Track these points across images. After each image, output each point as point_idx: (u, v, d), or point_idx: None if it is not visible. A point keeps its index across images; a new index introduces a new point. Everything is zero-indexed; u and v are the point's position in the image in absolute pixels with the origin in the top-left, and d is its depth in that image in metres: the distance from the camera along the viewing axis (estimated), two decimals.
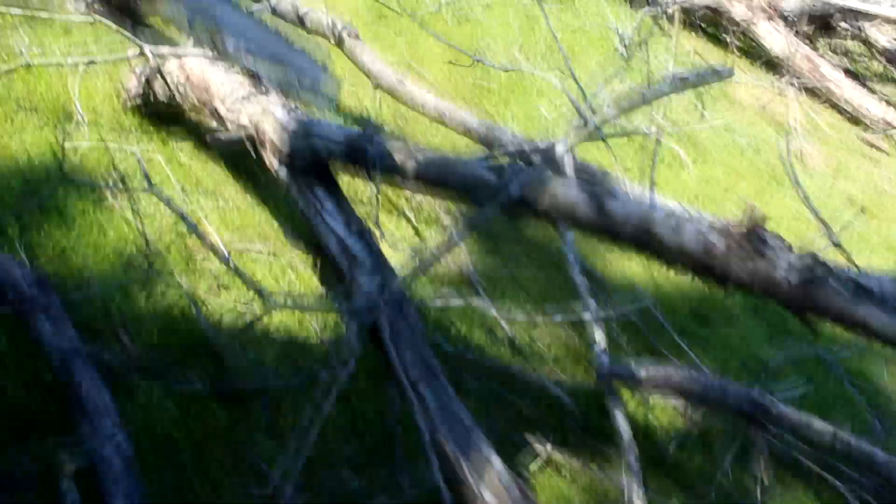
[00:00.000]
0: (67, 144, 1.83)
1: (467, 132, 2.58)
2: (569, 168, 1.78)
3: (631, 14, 4.99)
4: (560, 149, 1.76)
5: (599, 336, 1.62)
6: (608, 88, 2.60)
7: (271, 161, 1.75)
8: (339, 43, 2.86)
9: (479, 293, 2.02)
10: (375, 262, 1.56)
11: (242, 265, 1.77)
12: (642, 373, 1.56)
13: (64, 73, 1.95)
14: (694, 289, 2.18)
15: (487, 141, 2.55)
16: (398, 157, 1.48)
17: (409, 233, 2.22)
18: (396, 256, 1.86)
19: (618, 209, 1.25)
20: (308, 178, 1.68)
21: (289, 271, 1.86)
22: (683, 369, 1.65)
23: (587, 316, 1.59)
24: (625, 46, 4.55)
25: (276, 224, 1.99)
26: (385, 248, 1.95)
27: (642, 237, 1.22)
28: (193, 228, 1.29)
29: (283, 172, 1.70)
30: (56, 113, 1.91)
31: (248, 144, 1.71)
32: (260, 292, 1.51)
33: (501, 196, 1.34)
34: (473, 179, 1.39)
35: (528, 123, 3.24)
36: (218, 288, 1.74)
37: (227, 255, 1.58)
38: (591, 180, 1.85)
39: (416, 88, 2.66)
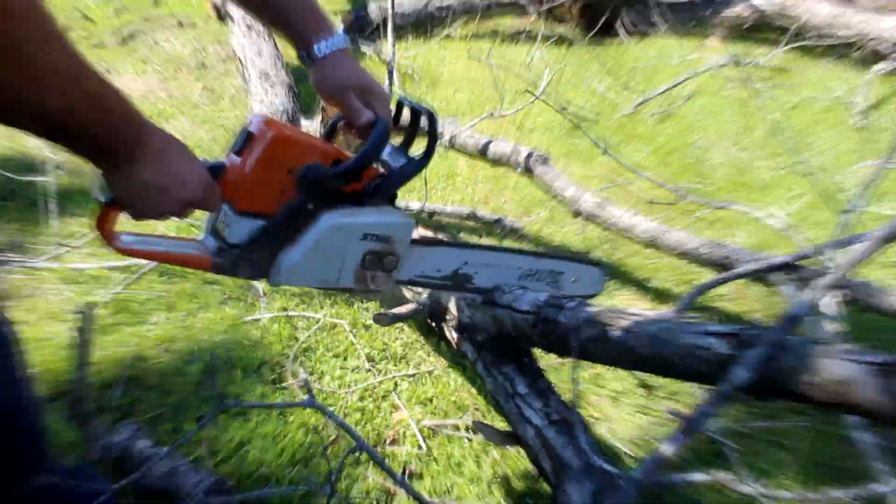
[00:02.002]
0: (248, 317, 1.83)
1: (687, 255, 2.14)
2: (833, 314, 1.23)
3: (858, 76, 4.14)
4: (827, 283, 1.22)
5: None
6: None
7: (452, 335, 1.55)
8: (529, 170, 2.65)
9: (733, 468, 1.50)
10: (586, 466, 1.17)
11: (437, 445, 1.56)
12: None
13: None
14: None
15: (717, 263, 2.07)
16: (599, 328, 1.12)
17: (617, 412, 1.80)
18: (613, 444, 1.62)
19: None
20: (495, 353, 1.42)
21: (491, 451, 1.56)
22: None
23: None
24: (860, 114, 3.71)
25: (472, 390, 1.75)
26: (600, 431, 1.68)
27: None
28: (365, 447, 1.07)
29: (466, 347, 1.47)
30: (238, 286, 1.93)
31: (427, 318, 1.50)
32: None
33: (736, 376, 0.89)
34: (695, 353, 0.97)
35: (758, 234, 2.69)
36: (410, 477, 1.50)
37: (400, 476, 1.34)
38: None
39: (620, 211, 2.31)
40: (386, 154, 1.06)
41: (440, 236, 1.81)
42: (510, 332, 1.36)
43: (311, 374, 1.73)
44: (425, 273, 1.23)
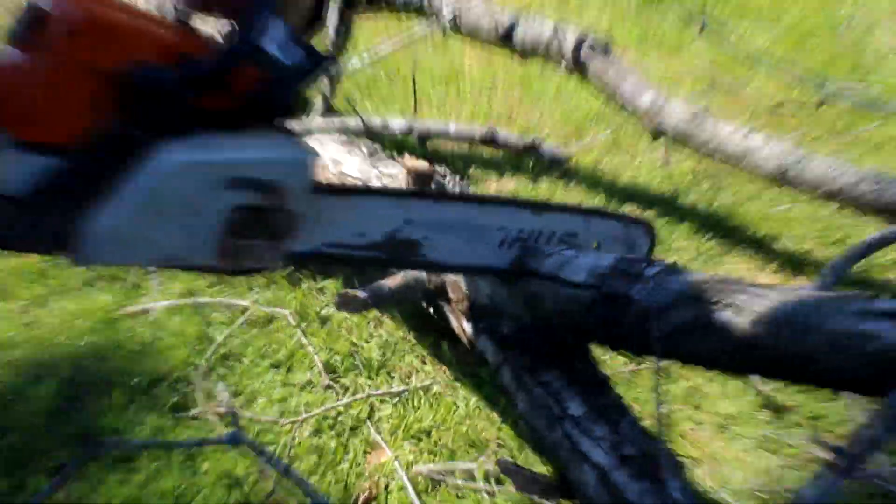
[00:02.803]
0: (131, 306, 1.84)
1: (837, 196, 2.10)
2: None
3: None
4: None
5: None
6: None
7: (461, 327, 1.54)
8: (579, 66, 2.60)
9: None
10: None
11: None
12: None
13: None
14: None
15: (887, 210, 2.03)
16: (698, 309, 1.11)
17: (726, 448, 1.81)
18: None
19: None
20: (531, 353, 1.44)
21: None
22: None
23: None
24: None
25: (493, 415, 1.77)
26: (700, 475, 1.66)
27: None
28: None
29: (484, 345, 1.51)
30: None
31: (421, 300, 1.49)
32: None
33: None
34: (853, 345, 0.98)
35: None
36: None
37: None
38: None
39: (728, 128, 2.27)
40: (270, 41, 1.05)
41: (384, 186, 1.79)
42: (554, 320, 1.38)
43: (236, 394, 1.73)
44: (340, 240, 1.23)
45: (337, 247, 1.23)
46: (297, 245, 1.16)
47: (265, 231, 1.09)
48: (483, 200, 1.34)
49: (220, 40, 1.00)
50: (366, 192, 1.27)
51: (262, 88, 1.02)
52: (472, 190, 2.02)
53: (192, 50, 0.97)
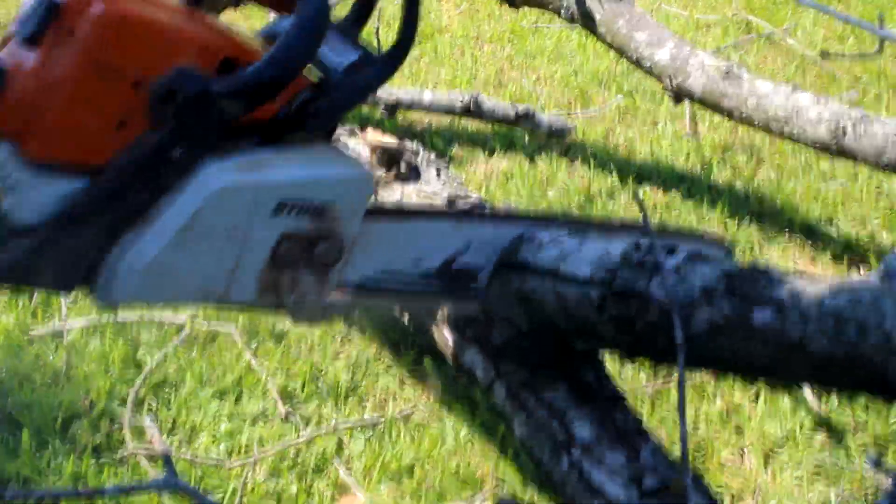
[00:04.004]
0: (40, 328, 1.84)
1: None
2: None
3: None
4: None
5: None
6: None
7: (445, 339, 1.57)
8: (586, 16, 2.61)
9: None
10: None
11: None
12: None
13: None
14: None
15: None
16: (731, 305, 1.12)
17: (773, 479, 1.82)
18: None
19: None
20: (529, 365, 1.46)
21: None
22: None
23: None
24: None
25: (490, 444, 1.78)
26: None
27: None
28: None
29: (472, 359, 1.55)
30: None
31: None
32: None
33: None
34: None
35: None
36: None
37: None
38: None
39: (767, 85, 2.28)
40: (323, 47, 1.07)
41: (425, 203, 1.81)
42: (556, 324, 1.38)
43: (173, 430, 1.73)
44: (392, 268, 1.30)
45: (389, 275, 1.29)
46: (349, 276, 1.22)
47: (313, 261, 1.12)
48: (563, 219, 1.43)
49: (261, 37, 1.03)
50: (421, 213, 1.34)
51: (314, 98, 1.05)
52: (453, 173, 2.03)
53: (238, 54, 0.98)
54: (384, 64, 1.08)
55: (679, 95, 2.41)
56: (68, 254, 0.96)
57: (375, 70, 1.08)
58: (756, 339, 1.11)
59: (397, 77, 2.69)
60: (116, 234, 0.97)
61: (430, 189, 1.77)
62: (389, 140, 1.79)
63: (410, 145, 1.85)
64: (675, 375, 1.85)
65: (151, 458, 1.65)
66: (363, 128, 2.00)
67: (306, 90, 1.04)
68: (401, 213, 1.31)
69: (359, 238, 1.15)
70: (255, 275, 1.08)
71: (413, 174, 1.79)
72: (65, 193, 0.93)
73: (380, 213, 1.24)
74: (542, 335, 1.46)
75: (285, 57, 0.97)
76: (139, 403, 1.76)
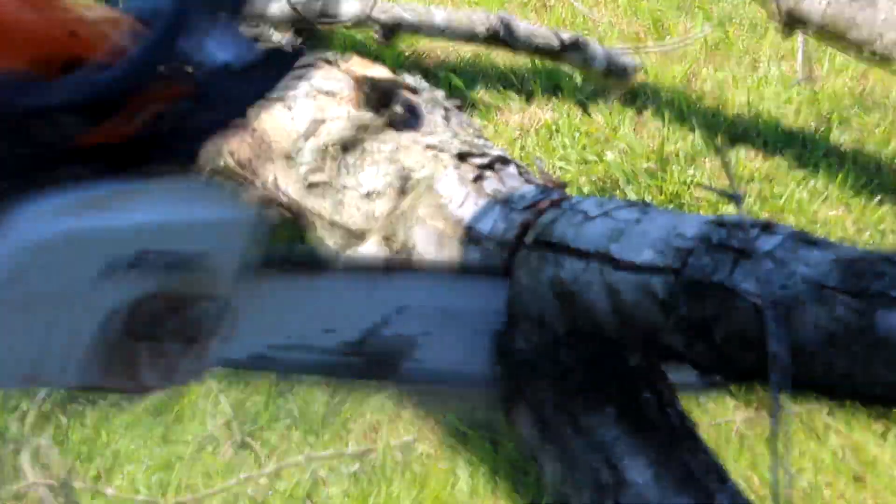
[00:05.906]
0: None
1: None
2: None
3: None
4: None
5: None
6: None
7: None
8: None
9: None
10: None
11: None
12: None
13: None
14: None
15: None
16: (853, 307, 1.15)
17: None
18: None
19: None
20: (564, 381, 1.50)
21: None
22: None
23: None
24: None
25: (510, 483, 1.82)
26: None
27: None
28: None
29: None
30: None
31: None
32: None
33: None
34: None
35: None
36: None
37: None
38: None
39: None
40: (210, 42, 1.07)
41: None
42: (604, 327, 1.42)
43: (87, 458, 1.76)
44: (292, 341, 1.33)
45: (290, 350, 1.32)
46: (232, 351, 1.22)
47: (180, 331, 1.11)
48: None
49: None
50: (331, 266, 1.36)
51: (182, 108, 1.04)
52: (477, 123, 2.05)
53: (86, 51, 0.97)
54: (278, 65, 1.09)
55: (790, 24, 2.43)
56: None
57: (266, 72, 1.08)
58: (881, 353, 1.12)
59: None
60: None
61: (435, 139, 1.75)
62: (381, 72, 1.79)
63: (410, 79, 1.85)
64: (770, 401, 1.90)
65: (59, 494, 1.69)
66: (348, 57, 1.97)
67: (174, 101, 1.03)
68: (302, 264, 1.31)
69: (245, 300, 1.14)
70: (102, 351, 1.06)
71: (412, 118, 1.78)
72: None
73: (274, 265, 1.24)
74: (585, 342, 1.48)
75: (138, 56, 0.97)
76: (42, 419, 1.80)
